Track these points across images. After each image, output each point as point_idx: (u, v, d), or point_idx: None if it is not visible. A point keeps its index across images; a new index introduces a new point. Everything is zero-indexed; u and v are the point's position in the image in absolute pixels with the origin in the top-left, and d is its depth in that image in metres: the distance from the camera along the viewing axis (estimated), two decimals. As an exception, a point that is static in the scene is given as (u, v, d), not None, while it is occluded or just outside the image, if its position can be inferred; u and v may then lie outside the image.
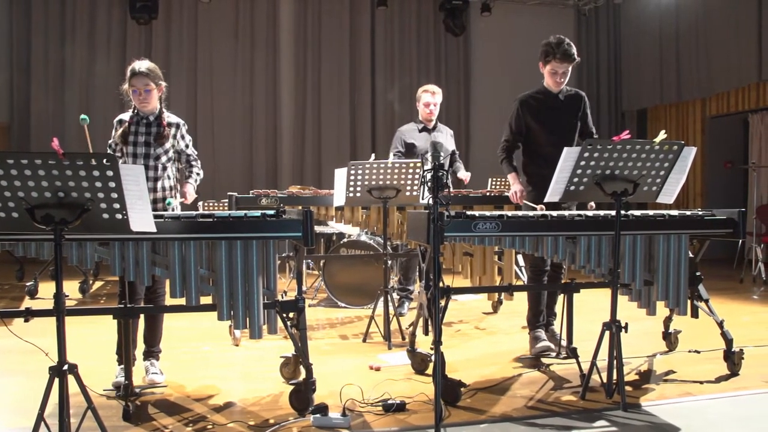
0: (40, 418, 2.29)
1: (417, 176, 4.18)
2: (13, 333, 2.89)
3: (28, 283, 5.88)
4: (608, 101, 10.75)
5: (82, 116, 3.26)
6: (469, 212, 3.08)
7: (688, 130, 9.61)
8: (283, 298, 3.02)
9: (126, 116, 3.42)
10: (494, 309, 5.44)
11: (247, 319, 2.83)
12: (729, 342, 3.53)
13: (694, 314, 3.57)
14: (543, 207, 3.59)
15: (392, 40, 9.84)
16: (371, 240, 5.58)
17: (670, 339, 4.02)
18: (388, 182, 4.18)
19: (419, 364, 3.56)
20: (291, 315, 3.00)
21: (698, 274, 3.57)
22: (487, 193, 4.99)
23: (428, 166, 2.53)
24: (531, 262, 3.92)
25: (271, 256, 2.86)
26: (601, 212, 3.30)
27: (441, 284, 2.79)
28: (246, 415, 2.92)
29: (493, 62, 10.07)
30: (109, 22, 8.81)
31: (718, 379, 3.43)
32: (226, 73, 9.18)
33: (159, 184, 3.39)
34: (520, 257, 5.91)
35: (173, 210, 3.38)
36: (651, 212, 3.32)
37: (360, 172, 4.16)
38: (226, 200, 4.76)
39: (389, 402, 2.96)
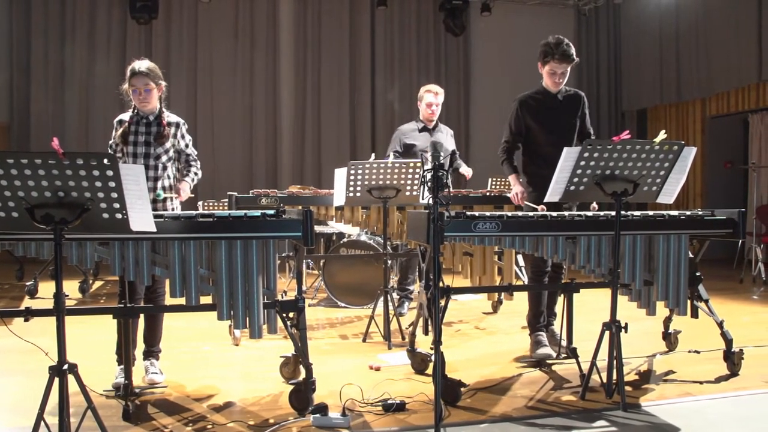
0: (39, 417, 2.29)
1: (417, 176, 4.18)
2: (13, 332, 2.90)
3: (27, 283, 5.88)
4: (608, 101, 10.75)
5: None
6: (469, 212, 3.08)
7: (688, 130, 9.61)
8: (283, 297, 3.02)
9: (126, 116, 3.42)
10: (494, 309, 5.44)
11: (247, 318, 2.83)
12: (729, 342, 3.53)
13: (694, 314, 3.57)
14: (544, 208, 3.59)
15: (392, 40, 9.84)
16: (371, 240, 5.58)
17: (670, 339, 4.02)
18: (388, 182, 4.18)
19: (419, 364, 3.56)
20: (291, 315, 3.00)
21: (698, 274, 3.57)
22: (487, 193, 4.99)
23: (428, 166, 2.53)
24: (532, 264, 3.91)
25: (271, 256, 2.85)
26: (601, 212, 3.30)
27: (441, 284, 2.79)
28: (246, 415, 2.92)
29: (493, 62, 10.07)
30: (109, 22, 8.81)
31: (718, 380, 3.43)
32: (226, 73, 9.18)
33: (159, 184, 3.39)
34: (520, 257, 5.91)
35: (161, 201, 3.39)
36: (651, 212, 3.33)
37: (360, 171, 4.16)
38: (226, 200, 4.76)
39: (389, 402, 2.96)
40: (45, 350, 2.76)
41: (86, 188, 2.20)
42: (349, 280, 5.53)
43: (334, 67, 9.53)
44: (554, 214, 3.19)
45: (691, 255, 3.42)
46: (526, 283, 5.70)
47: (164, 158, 3.40)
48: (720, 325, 3.54)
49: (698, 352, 3.86)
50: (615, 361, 3.01)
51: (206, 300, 2.86)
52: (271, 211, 2.81)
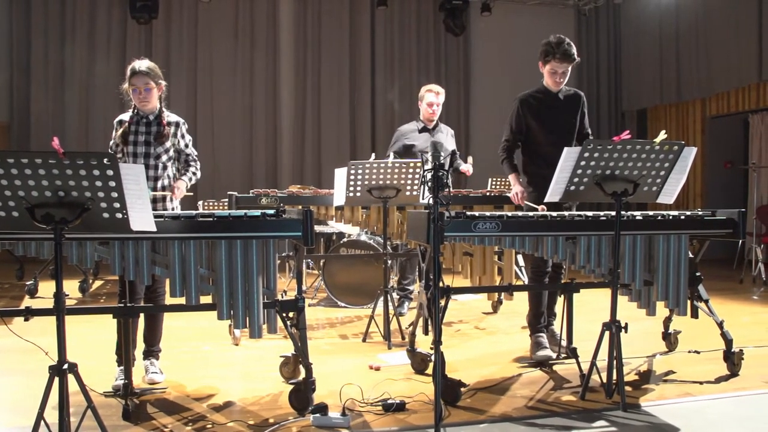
0: (39, 417, 2.29)
1: (417, 176, 4.19)
2: (13, 332, 2.90)
3: (28, 282, 5.88)
4: (608, 101, 10.74)
5: None
6: (469, 212, 3.08)
7: (688, 130, 9.61)
8: (283, 297, 3.02)
9: (126, 116, 3.42)
10: (494, 309, 5.44)
11: (247, 318, 2.83)
12: (729, 342, 3.53)
13: (694, 314, 3.57)
14: (544, 208, 3.59)
15: (392, 40, 9.83)
16: (371, 240, 5.58)
17: (670, 339, 4.02)
18: (388, 182, 4.18)
19: (419, 363, 3.56)
20: (291, 314, 3.00)
21: (698, 274, 3.57)
22: (487, 193, 4.99)
23: (428, 166, 2.53)
24: (532, 264, 3.91)
25: (271, 256, 2.85)
26: (602, 213, 3.30)
27: (441, 284, 2.79)
28: (245, 415, 2.92)
29: (493, 62, 10.07)
30: (109, 22, 8.81)
31: (718, 380, 3.43)
32: (226, 73, 9.18)
33: (159, 184, 3.39)
34: (520, 257, 5.91)
35: (160, 200, 3.39)
36: (651, 212, 3.32)
37: (360, 171, 4.16)
38: (226, 200, 4.76)
39: (389, 402, 2.96)
40: (45, 350, 2.76)
41: (86, 188, 2.20)
42: (349, 280, 5.53)
43: (334, 67, 9.52)
44: (554, 214, 3.19)
45: (691, 255, 3.42)
46: (526, 283, 5.70)
47: (164, 158, 3.40)
48: (720, 325, 3.54)
49: (698, 353, 3.86)
50: (615, 361, 3.01)
51: (206, 300, 2.86)
52: (271, 211, 2.81)
